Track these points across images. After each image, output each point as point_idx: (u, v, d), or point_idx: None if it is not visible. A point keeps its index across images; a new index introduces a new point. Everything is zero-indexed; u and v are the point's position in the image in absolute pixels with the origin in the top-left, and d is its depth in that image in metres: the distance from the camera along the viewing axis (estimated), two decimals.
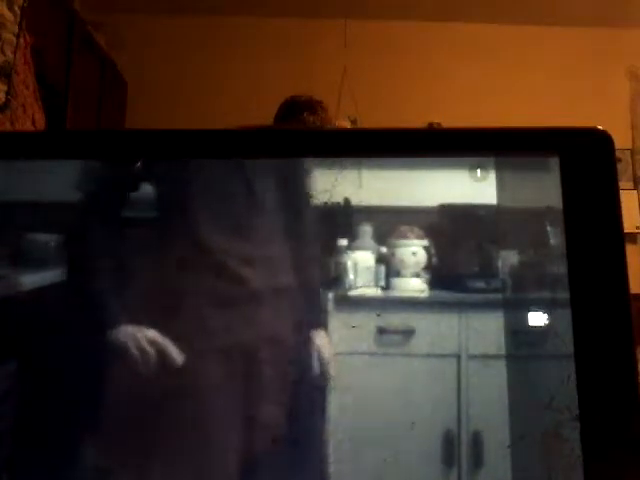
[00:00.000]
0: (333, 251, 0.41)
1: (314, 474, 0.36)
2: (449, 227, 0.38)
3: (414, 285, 0.43)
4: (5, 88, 1.11)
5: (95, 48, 2.69)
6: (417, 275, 0.43)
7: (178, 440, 0.36)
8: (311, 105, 1.47)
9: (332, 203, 0.36)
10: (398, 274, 0.44)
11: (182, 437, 0.36)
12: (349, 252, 0.40)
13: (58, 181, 0.35)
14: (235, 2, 2.97)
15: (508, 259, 0.34)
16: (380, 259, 0.42)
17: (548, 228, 0.31)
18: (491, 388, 0.33)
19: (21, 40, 1.16)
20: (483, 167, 0.33)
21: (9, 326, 0.34)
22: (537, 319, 0.32)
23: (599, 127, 0.29)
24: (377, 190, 0.36)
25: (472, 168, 0.34)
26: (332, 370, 0.36)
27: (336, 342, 0.38)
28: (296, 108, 1.47)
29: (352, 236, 0.40)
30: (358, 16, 3.01)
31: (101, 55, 2.76)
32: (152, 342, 0.38)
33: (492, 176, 0.33)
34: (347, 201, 0.37)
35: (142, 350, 0.38)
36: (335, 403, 0.36)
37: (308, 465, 0.35)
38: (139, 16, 3.05)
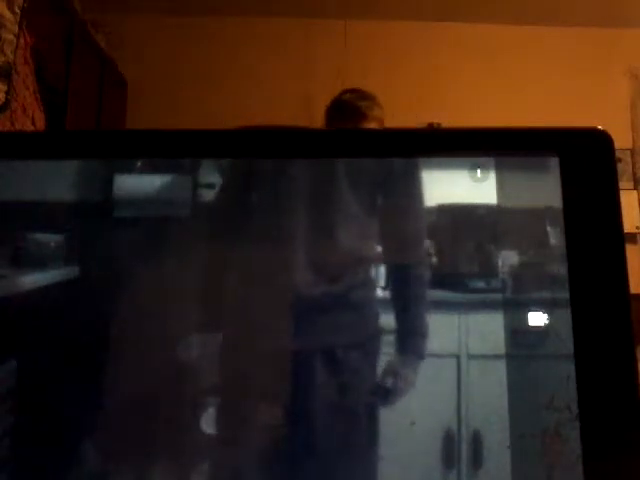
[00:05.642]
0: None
1: (315, 474, 0.36)
2: (449, 227, 0.38)
3: None
4: (5, 88, 1.11)
5: (95, 48, 2.69)
6: None
7: (179, 441, 0.36)
8: (358, 110, 1.44)
9: None
10: None
11: (183, 438, 0.36)
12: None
13: (58, 181, 0.35)
14: (235, 2, 2.97)
15: (508, 259, 0.34)
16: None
17: (548, 228, 0.31)
18: (491, 388, 0.33)
19: (21, 40, 1.16)
20: (483, 167, 0.33)
21: (9, 326, 0.34)
22: (537, 319, 0.32)
23: (599, 127, 0.29)
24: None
25: (472, 168, 0.34)
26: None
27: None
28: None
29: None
30: (358, 16, 3.01)
31: (101, 55, 2.76)
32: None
33: (492, 176, 0.33)
34: None
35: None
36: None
37: (308, 465, 0.35)
38: (139, 16, 3.05)
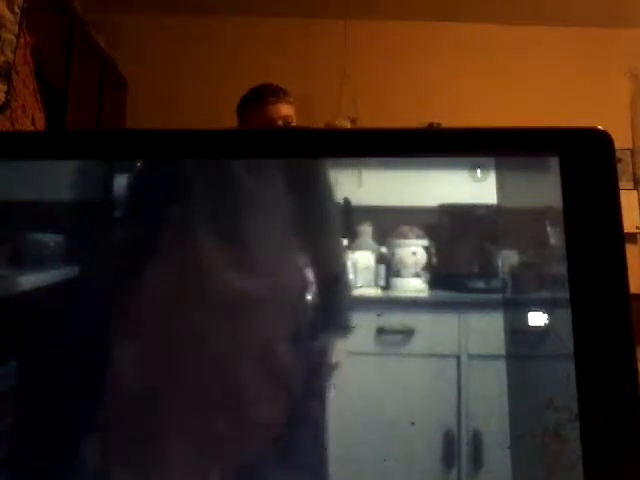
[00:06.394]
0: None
1: (314, 474, 0.36)
2: (449, 227, 0.38)
3: (414, 285, 0.43)
4: (5, 88, 1.11)
5: (95, 48, 2.69)
6: (417, 275, 0.43)
7: (178, 440, 0.36)
8: (275, 91, 1.49)
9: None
10: (398, 274, 0.44)
11: (182, 438, 0.36)
12: (349, 252, 0.40)
13: (58, 181, 0.35)
14: (235, 2, 2.97)
15: (508, 259, 0.34)
16: (380, 259, 0.42)
17: (548, 228, 0.31)
18: (491, 388, 0.33)
19: (21, 40, 1.16)
20: (483, 167, 0.33)
21: (9, 326, 0.34)
22: (537, 319, 0.32)
23: (599, 127, 0.29)
24: (377, 190, 0.36)
25: (472, 168, 0.34)
26: (334, 374, 0.36)
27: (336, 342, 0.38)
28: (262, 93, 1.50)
29: (352, 236, 0.40)
30: (358, 16, 3.01)
31: (101, 55, 2.76)
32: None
33: (492, 176, 0.33)
34: (347, 201, 0.37)
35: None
36: (335, 403, 0.36)
37: (308, 465, 0.35)
38: (139, 16, 3.04)
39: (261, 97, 1.48)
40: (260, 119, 1.45)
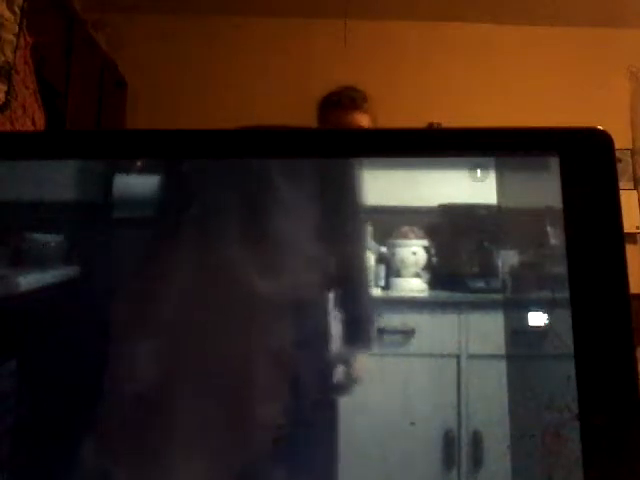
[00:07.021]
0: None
1: (314, 474, 0.36)
2: (449, 227, 0.38)
3: (414, 285, 0.43)
4: (5, 88, 1.11)
5: (95, 48, 2.69)
6: (417, 275, 0.43)
7: (179, 442, 0.36)
8: (354, 97, 1.53)
9: None
10: (398, 274, 0.44)
11: (183, 439, 0.36)
12: None
13: (58, 181, 0.35)
14: (235, 2, 2.97)
15: (508, 259, 0.34)
16: (380, 259, 0.42)
17: (548, 228, 0.31)
18: (491, 388, 0.33)
19: (21, 40, 1.16)
20: (483, 167, 0.33)
21: (9, 326, 0.34)
22: (537, 319, 0.32)
23: (599, 127, 0.29)
24: (377, 190, 0.36)
25: (472, 168, 0.34)
26: (340, 379, 0.36)
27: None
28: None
29: None
30: (358, 16, 3.01)
31: (101, 55, 2.76)
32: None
33: (492, 176, 0.33)
34: None
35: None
36: (335, 403, 0.36)
37: (308, 465, 0.35)
38: (139, 16, 3.05)
39: (340, 102, 1.52)
40: (336, 124, 1.49)
